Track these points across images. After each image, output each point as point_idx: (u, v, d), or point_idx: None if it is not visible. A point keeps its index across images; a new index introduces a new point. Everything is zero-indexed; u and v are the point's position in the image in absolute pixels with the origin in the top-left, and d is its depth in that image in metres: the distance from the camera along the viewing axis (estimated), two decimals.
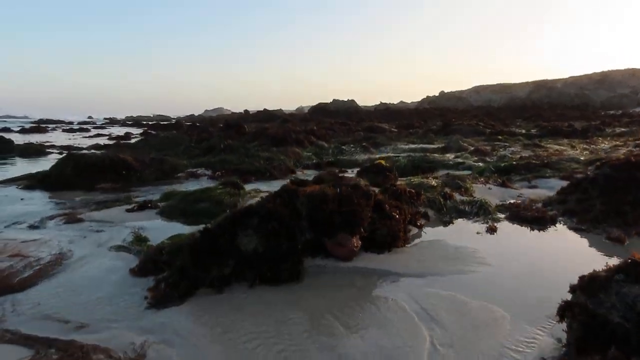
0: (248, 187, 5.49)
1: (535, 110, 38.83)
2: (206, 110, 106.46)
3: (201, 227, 2.89)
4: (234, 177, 6.37)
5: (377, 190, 3.55)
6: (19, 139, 17.17)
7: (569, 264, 2.49)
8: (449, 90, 72.19)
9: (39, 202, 4.79)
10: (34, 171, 7.31)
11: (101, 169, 5.85)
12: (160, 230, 3.51)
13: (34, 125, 26.42)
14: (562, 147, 8.08)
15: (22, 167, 8.34)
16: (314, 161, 7.86)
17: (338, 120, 27.75)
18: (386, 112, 43.05)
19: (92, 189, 5.47)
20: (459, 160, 6.92)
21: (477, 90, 74.02)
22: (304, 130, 11.42)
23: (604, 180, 3.72)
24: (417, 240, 2.88)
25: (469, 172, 6.09)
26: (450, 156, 7.48)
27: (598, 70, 62.76)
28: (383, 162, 4.63)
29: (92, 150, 10.48)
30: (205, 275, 2.18)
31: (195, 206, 4.02)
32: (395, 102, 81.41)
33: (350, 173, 7.21)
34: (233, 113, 70.25)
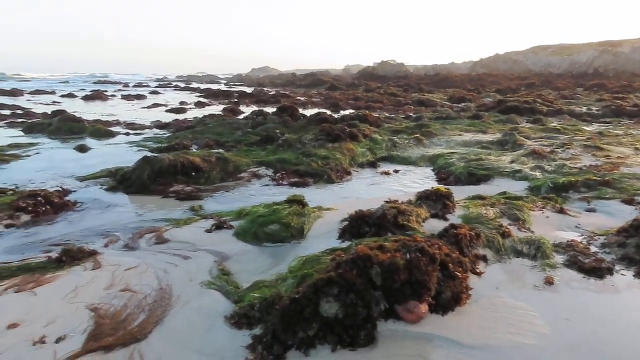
0: (309, 193, 5.84)
1: (599, 79, 36.56)
2: (253, 69, 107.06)
3: (272, 246, 3.31)
4: (294, 179, 6.75)
5: (436, 233, 3.79)
6: (84, 109, 18.28)
7: (622, 334, 2.68)
8: (505, 52, 68.53)
9: (124, 211, 5.32)
10: (109, 161, 7.98)
11: (174, 173, 6.36)
12: (240, 258, 3.94)
13: (94, 91, 27.73)
14: (625, 151, 7.86)
15: (96, 153, 9.03)
16: (369, 158, 8.08)
17: (387, 90, 27.43)
18: (436, 78, 41.82)
19: (167, 194, 5.98)
20: (516, 166, 6.93)
21: (536, 51, 69.99)
22: (357, 116, 11.56)
23: None
24: (478, 295, 3.11)
25: (525, 184, 6.14)
26: (506, 159, 7.48)
27: None
28: (442, 188, 4.79)
29: (158, 137, 11.11)
30: (294, 339, 2.54)
31: (265, 230, 4.40)
32: (445, 63, 78.63)
33: (404, 172, 7.43)
34: (280, 74, 70.28)
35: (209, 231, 4.50)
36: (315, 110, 16.63)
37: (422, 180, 6.91)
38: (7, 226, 4.65)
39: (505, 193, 5.44)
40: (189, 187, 6.29)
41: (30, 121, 12.92)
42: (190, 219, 4.94)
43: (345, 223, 4.24)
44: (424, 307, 2.74)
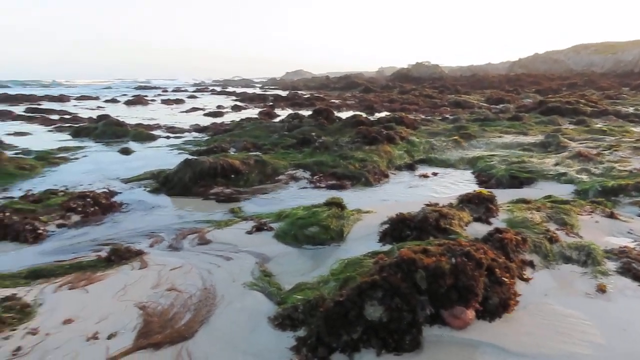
0: (347, 196, 5.84)
1: None
2: (287, 73, 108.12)
3: (312, 248, 3.32)
4: (332, 182, 6.74)
5: (480, 237, 3.71)
6: (126, 113, 18.90)
7: None
8: (545, 51, 66.45)
9: (167, 212, 5.47)
10: (151, 164, 8.20)
11: (214, 175, 6.48)
12: (280, 260, 3.97)
13: (135, 96, 28.65)
14: None
15: (139, 155, 9.33)
16: (406, 161, 8.00)
17: (422, 92, 27.09)
18: (473, 79, 40.98)
19: (207, 196, 6.10)
20: (560, 169, 6.70)
21: (577, 50, 67.49)
22: (392, 118, 11.47)
23: None
24: (525, 301, 3.01)
25: (571, 188, 5.93)
26: (550, 161, 7.24)
27: None
28: (484, 190, 4.68)
29: (197, 140, 11.37)
30: (338, 342, 2.54)
31: (305, 232, 4.42)
32: (481, 64, 77.03)
33: (443, 175, 7.30)
34: (314, 77, 70.60)
35: (249, 232, 4.56)
36: (349, 113, 16.59)
37: (461, 183, 6.78)
38: (59, 225, 4.86)
39: (550, 196, 5.27)
40: (228, 189, 6.40)
41: (77, 125, 13.49)
42: (230, 220, 5.02)
43: (386, 226, 4.21)
44: (471, 313, 2.68)
